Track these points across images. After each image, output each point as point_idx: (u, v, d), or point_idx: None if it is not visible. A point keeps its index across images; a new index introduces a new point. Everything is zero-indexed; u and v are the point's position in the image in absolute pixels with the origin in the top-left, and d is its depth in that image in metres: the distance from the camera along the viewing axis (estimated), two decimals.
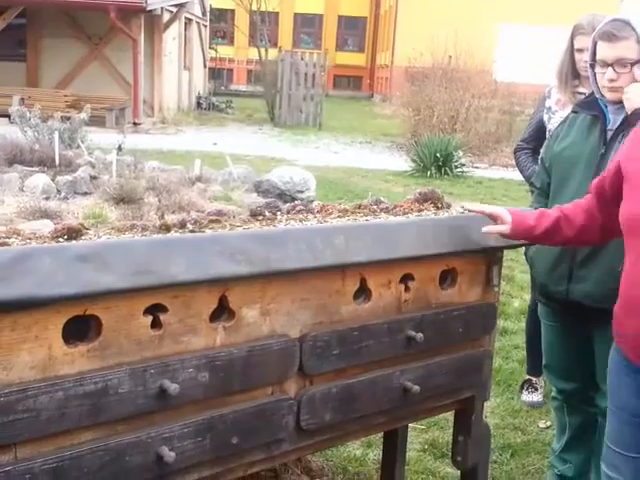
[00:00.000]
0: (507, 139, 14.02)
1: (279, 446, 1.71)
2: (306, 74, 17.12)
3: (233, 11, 31.02)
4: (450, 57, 15.16)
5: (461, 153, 11.01)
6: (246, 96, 25.43)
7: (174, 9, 16.59)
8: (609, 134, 2.24)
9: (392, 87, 26.00)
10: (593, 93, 2.40)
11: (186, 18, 18.88)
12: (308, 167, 9.72)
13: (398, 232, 1.81)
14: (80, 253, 1.34)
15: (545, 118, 3.13)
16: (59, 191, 6.07)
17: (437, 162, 10.44)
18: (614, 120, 2.24)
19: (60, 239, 1.50)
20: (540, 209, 1.96)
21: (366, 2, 36.57)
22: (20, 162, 6.52)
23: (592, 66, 2.25)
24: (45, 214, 5.50)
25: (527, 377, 3.50)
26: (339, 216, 1.92)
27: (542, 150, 2.72)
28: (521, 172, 3.33)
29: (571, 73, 2.85)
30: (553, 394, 2.63)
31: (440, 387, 1.97)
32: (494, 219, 1.94)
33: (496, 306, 2.09)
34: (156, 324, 1.48)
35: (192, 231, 1.62)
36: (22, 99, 13.84)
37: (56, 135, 6.31)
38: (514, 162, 3.41)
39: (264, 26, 25.16)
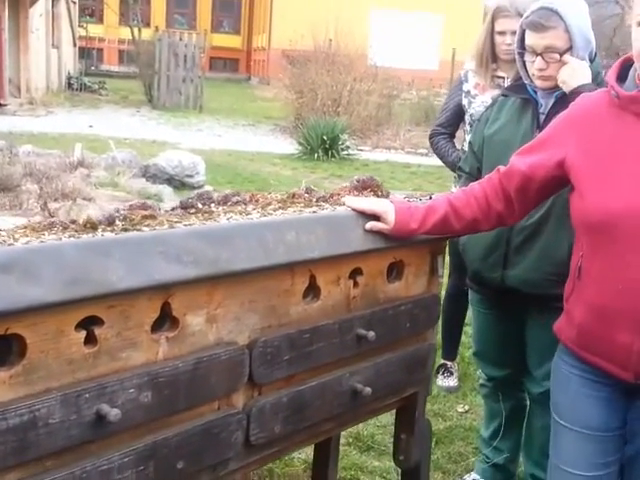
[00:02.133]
0: (387, 122, 14.24)
1: (226, 465, 1.54)
2: (185, 55, 16.59)
3: None
4: (330, 41, 15.16)
5: (346, 136, 11.03)
6: (119, 77, 24.37)
7: None
8: (542, 118, 2.20)
9: (270, 70, 25.82)
10: (516, 78, 2.36)
11: None
12: (193, 150, 9.40)
13: (348, 225, 1.67)
14: None
15: (464, 102, 3.09)
16: None
17: (324, 145, 10.40)
18: (546, 103, 2.21)
19: None
20: (430, 202, 1.83)
21: None
22: None
23: (521, 54, 2.20)
24: None
25: (442, 362, 3.49)
26: (280, 207, 1.75)
27: (470, 134, 2.66)
28: (442, 158, 3.26)
29: (491, 56, 2.81)
30: (482, 381, 2.60)
31: (388, 386, 1.86)
32: (378, 216, 1.73)
33: (439, 297, 2.01)
34: (90, 340, 1.26)
35: (125, 229, 1.41)
36: None
37: None
38: (430, 147, 3.34)
39: (136, 5, 24.16)
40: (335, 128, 10.52)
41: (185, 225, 1.46)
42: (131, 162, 7.06)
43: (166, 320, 1.38)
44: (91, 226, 1.42)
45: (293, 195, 1.92)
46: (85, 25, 25.98)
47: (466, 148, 3.16)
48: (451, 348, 3.51)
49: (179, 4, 35.10)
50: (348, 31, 14.10)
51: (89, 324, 1.26)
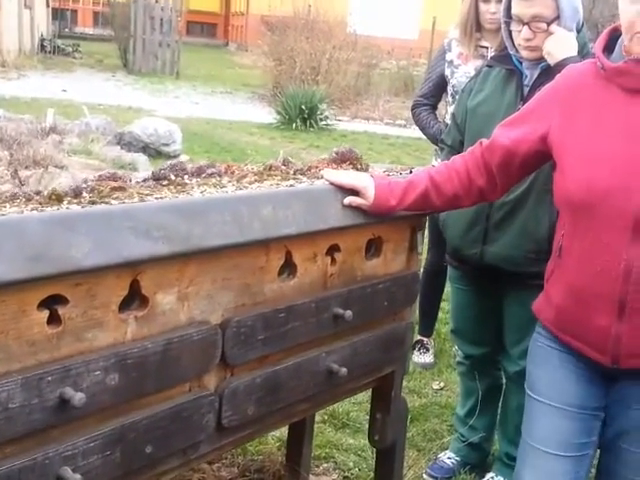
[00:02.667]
0: (366, 92, 14.12)
1: (197, 449, 1.49)
2: (162, 19, 16.24)
3: None
4: (310, 7, 14.94)
5: (325, 106, 10.91)
6: (94, 40, 23.88)
7: None
8: (526, 90, 2.15)
9: (248, 36, 25.43)
10: (500, 48, 2.30)
11: None
12: (169, 118, 9.23)
13: (326, 199, 1.61)
14: None
15: (447, 72, 3.01)
16: None
17: (302, 114, 10.28)
18: (531, 75, 2.15)
19: None
20: (410, 177, 1.77)
21: None
22: None
23: (507, 23, 2.13)
24: None
25: (419, 338, 3.47)
26: (256, 180, 1.69)
27: (453, 106, 2.60)
28: (423, 130, 3.19)
29: (475, 25, 2.74)
30: (459, 359, 2.57)
31: (365, 366, 1.82)
32: (357, 191, 1.66)
33: (419, 275, 1.96)
34: (54, 320, 1.19)
35: (92, 202, 1.33)
36: None
37: None
38: (413, 119, 3.27)
39: None
40: (314, 97, 10.39)
41: (156, 198, 1.39)
42: (105, 129, 6.90)
43: (135, 299, 1.32)
44: (56, 198, 1.34)
45: (270, 167, 1.85)
46: None
47: (448, 120, 3.10)
48: (428, 324, 3.48)
49: None
50: None
51: (53, 303, 1.19)
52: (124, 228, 1.22)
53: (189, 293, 1.39)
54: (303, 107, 10.22)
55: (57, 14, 25.23)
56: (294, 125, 10.20)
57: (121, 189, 1.40)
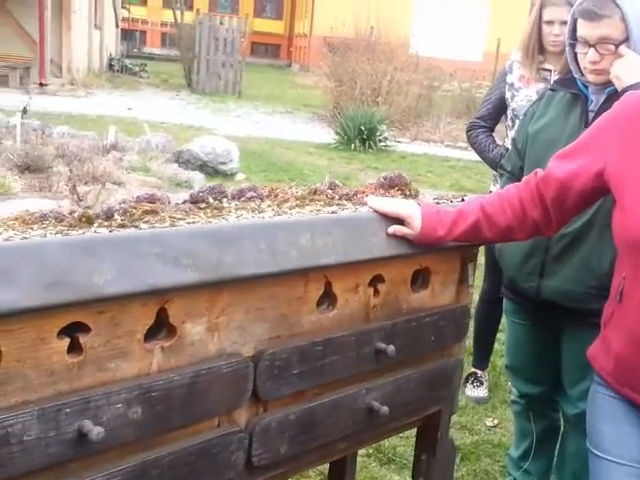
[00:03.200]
0: (427, 114, 13.98)
1: None
2: (225, 39, 16.50)
3: None
4: (372, 28, 14.93)
5: (385, 127, 10.82)
6: (161, 60, 24.46)
7: None
8: (591, 115, 2.02)
9: (311, 57, 25.63)
10: (564, 71, 2.18)
11: None
12: (229, 137, 9.31)
13: (370, 228, 1.52)
14: None
15: (507, 95, 2.90)
16: None
17: (361, 135, 10.22)
18: (597, 100, 2.02)
19: None
20: (460, 206, 1.65)
21: None
22: None
23: (572, 45, 2.01)
24: None
25: (472, 370, 3.32)
26: (297, 204, 1.61)
27: (513, 130, 2.48)
28: (480, 153, 3.06)
29: (537, 47, 2.62)
30: (514, 397, 2.43)
31: (408, 405, 1.71)
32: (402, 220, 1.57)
33: (469, 309, 1.85)
34: (75, 348, 1.14)
35: (122, 225, 1.28)
36: None
37: None
38: (468, 141, 3.15)
39: None
40: (373, 118, 10.32)
41: (188, 223, 1.32)
42: (165, 147, 6.99)
43: (162, 328, 1.25)
44: (86, 220, 1.29)
45: (315, 191, 1.77)
46: (128, 7, 26.07)
47: (507, 144, 2.98)
48: (482, 356, 3.33)
49: None
50: (390, 19, 13.86)
51: (74, 331, 1.14)
52: (151, 254, 1.16)
53: (220, 323, 1.32)
54: (362, 128, 10.16)
55: (127, 35, 26.00)
56: (353, 146, 10.15)
57: (153, 212, 1.34)
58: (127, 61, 20.00)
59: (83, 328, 1.14)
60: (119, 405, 1.18)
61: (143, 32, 31.13)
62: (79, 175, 5.23)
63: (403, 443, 2.76)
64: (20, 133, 5.81)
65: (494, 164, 3.00)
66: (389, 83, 13.10)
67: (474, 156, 3.20)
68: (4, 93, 10.69)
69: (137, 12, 29.11)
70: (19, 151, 5.48)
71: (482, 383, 3.29)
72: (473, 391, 3.27)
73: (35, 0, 13.71)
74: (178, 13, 21.56)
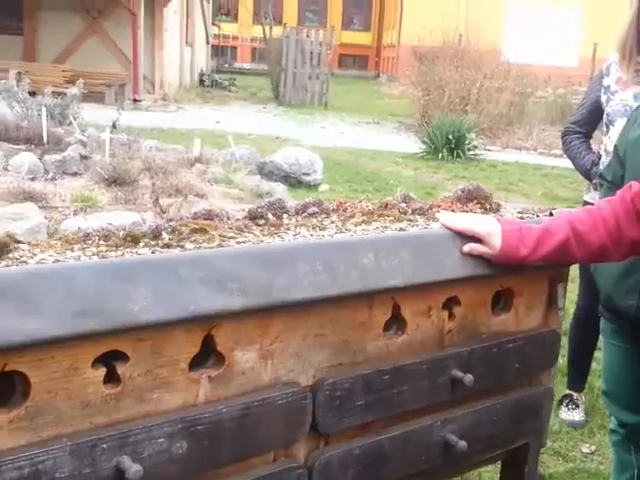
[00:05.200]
0: (519, 121, 13.53)
1: None
2: (312, 52, 16.58)
3: None
4: (461, 36, 14.63)
5: (474, 135, 10.52)
6: (250, 74, 24.86)
7: None
8: None
9: (399, 67, 25.43)
10: None
11: None
12: (314, 147, 9.27)
13: (441, 246, 1.37)
14: None
15: (603, 99, 2.67)
16: (47, 171, 5.64)
17: (449, 144, 9.96)
18: None
19: None
20: (546, 224, 1.46)
21: None
22: (6, 139, 6.09)
23: None
24: (29, 196, 5.06)
25: (567, 392, 3.08)
26: (363, 220, 1.48)
27: (606, 137, 2.27)
28: (572, 160, 2.85)
29: (636, 48, 2.38)
30: (612, 426, 2.19)
31: (490, 438, 1.54)
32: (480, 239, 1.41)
33: (559, 333, 1.66)
34: (112, 378, 1.05)
35: (167, 245, 1.19)
36: (19, 73, 13.37)
37: (43, 111, 5.86)
38: (562, 147, 2.92)
39: (268, 3, 24.47)
40: (461, 127, 10.04)
41: (239, 243, 1.22)
42: (249, 158, 7.00)
43: (209, 356, 1.15)
44: (132, 240, 1.21)
45: (385, 205, 1.64)
46: (219, 24, 26.70)
47: (602, 152, 2.74)
48: (578, 377, 3.08)
49: (311, 1, 35.46)
50: (480, 26, 13.53)
51: (111, 359, 1.05)
52: (192, 278, 1.06)
53: (274, 350, 1.20)
54: (450, 136, 9.90)
55: (218, 51, 26.62)
56: (440, 155, 9.90)
57: (202, 231, 1.24)
58: (217, 76, 20.43)
59: (121, 357, 1.05)
60: (161, 440, 1.08)
61: (234, 48, 31.77)
62: (163, 188, 5.28)
63: (490, 469, 2.56)
64: (109, 147, 5.94)
65: (585, 172, 2.77)
66: (478, 91, 12.76)
67: (570, 163, 2.98)
68: (100, 109, 11.05)
69: (228, 29, 29.75)
70: (107, 165, 5.59)
71: (578, 406, 3.04)
72: (568, 414, 3.02)
73: (129, 20, 14.18)
74: (267, 28, 21.93)
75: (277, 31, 21.75)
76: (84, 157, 5.69)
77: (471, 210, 1.65)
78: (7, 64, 13.92)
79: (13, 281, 0.94)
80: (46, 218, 4.37)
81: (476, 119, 11.77)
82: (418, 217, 1.58)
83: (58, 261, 1.05)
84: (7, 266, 1.04)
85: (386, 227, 1.43)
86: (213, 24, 24.23)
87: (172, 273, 1.05)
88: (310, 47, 16.56)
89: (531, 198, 7.45)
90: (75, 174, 5.54)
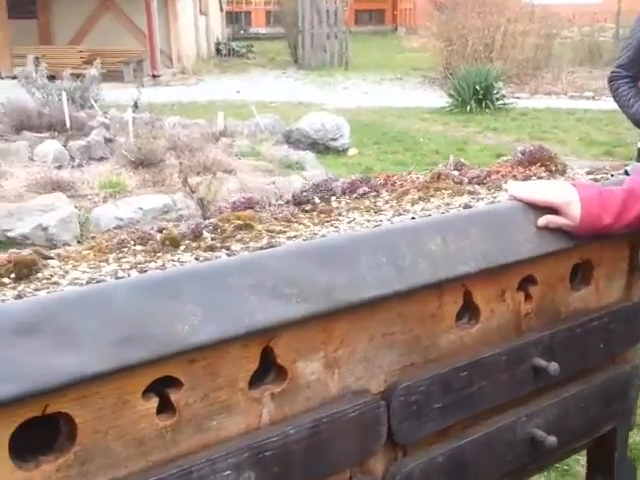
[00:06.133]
0: (547, 65, 13.11)
1: None
2: (328, 11, 16.19)
3: None
4: None
5: (501, 83, 10.20)
6: (266, 39, 24.46)
7: None
8: None
9: (417, 18, 24.84)
10: None
11: None
12: (338, 110, 9.07)
13: (514, 222, 1.22)
14: (20, 321, 0.79)
15: None
16: (72, 158, 5.56)
17: (476, 95, 9.67)
18: None
19: (5, 279, 0.95)
20: (628, 183, 1.29)
21: None
22: (28, 128, 6.00)
23: None
24: (57, 186, 4.98)
25: None
26: (420, 197, 1.33)
27: None
28: (622, 107, 2.65)
29: None
30: None
31: (577, 428, 1.41)
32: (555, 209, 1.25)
33: None
34: (165, 408, 0.93)
35: (211, 248, 1.05)
36: (37, 58, 13.27)
37: (64, 96, 5.75)
38: (610, 93, 2.73)
39: None
40: (488, 76, 9.72)
41: (289, 238, 1.08)
42: (274, 128, 6.84)
43: (269, 371, 1.02)
44: (171, 243, 1.08)
45: (438, 176, 1.49)
46: None
47: None
48: None
49: None
50: None
51: (162, 386, 0.93)
52: (244, 287, 0.93)
53: (339, 357, 1.07)
54: (477, 87, 9.60)
55: (232, 17, 26.18)
56: (468, 107, 9.62)
57: (248, 227, 1.11)
58: (234, 44, 20.12)
59: (173, 383, 0.93)
60: (227, 472, 0.96)
61: (248, 13, 31.25)
62: (190, 166, 5.16)
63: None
64: (132, 128, 5.82)
65: (636, 121, 2.59)
66: (503, 36, 12.36)
67: (604, 105, 2.82)
68: (121, 89, 10.93)
69: None
70: (132, 147, 5.48)
71: None
72: None
73: None
74: None
75: None
76: (108, 140, 5.58)
77: (535, 174, 1.49)
78: (24, 49, 13.85)
79: (46, 311, 0.82)
80: (76, 207, 4.28)
81: (502, 66, 11.40)
82: (478, 187, 1.43)
83: (93, 280, 0.92)
84: (37, 290, 0.92)
85: (448, 204, 1.28)
86: None
87: (222, 283, 0.92)
88: (326, 6, 16.16)
89: (567, 145, 7.19)
90: (101, 159, 5.44)
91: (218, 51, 19.44)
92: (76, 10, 15.33)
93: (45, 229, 4.08)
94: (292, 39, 17.19)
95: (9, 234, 4.15)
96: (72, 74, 7.63)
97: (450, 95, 10.14)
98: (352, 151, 6.97)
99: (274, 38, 22.64)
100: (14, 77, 8.74)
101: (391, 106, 10.46)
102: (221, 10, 21.97)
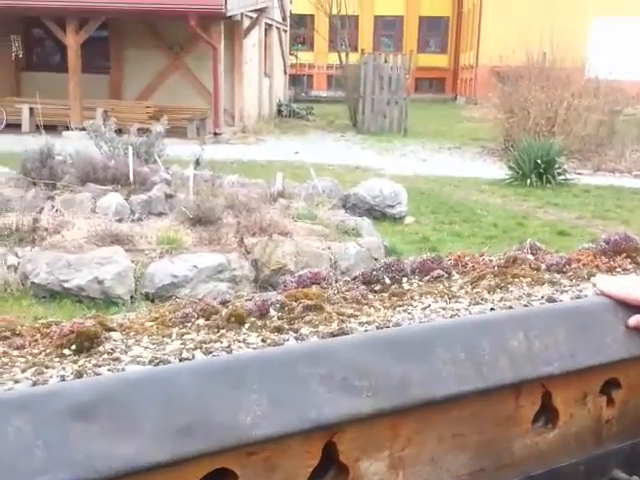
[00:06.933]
0: (610, 141, 12.95)
1: None
2: (390, 77, 16.43)
3: (313, 16, 30.67)
4: (545, 54, 14.18)
5: (563, 158, 10.08)
6: (327, 102, 24.97)
7: (254, 15, 16.25)
8: None
9: (477, 88, 25.06)
10: None
11: (266, 24, 18.53)
12: (396, 177, 9.08)
13: (602, 319, 1.13)
14: (77, 404, 0.74)
15: None
16: (133, 211, 5.65)
17: (537, 169, 9.56)
18: None
19: (66, 350, 0.92)
20: None
21: (448, 1, 35.65)
22: (94, 180, 6.14)
23: None
24: (116, 239, 5.05)
25: None
26: (497, 285, 1.26)
27: None
28: None
29: None
30: None
31: None
32: None
33: None
34: None
35: (277, 329, 1.00)
36: (105, 112, 13.76)
37: (130, 150, 5.88)
38: None
39: (344, 30, 24.55)
40: (551, 150, 9.62)
41: (361, 324, 1.02)
42: (331, 191, 6.86)
43: (330, 467, 0.95)
44: (236, 320, 1.04)
45: (514, 260, 1.42)
46: (296, 53, 26.99)
47: None
48: None
49: (386, 27, 35.58)
50: (565, 43, 13.06)
51: (215, 478, 0.86)
52: (313, 377, 0.87)
53: (405, 457, 0.99)
54: (538, 161, 9.50)
55: (294, 80, 26.88)
56: (528, 181, 9.51)
57: (318, 308, 1.06)
58: (294, 105, 20.56)
59: (228, 475, 0.86)
60: None
61: (310, 76, 32.10)
62: (247, 226, 5.18)
63: None
64: (192, 185, 5.90)
65: None
66: (566, 111, 12.30)
67: None
68: (183, 144, 11.20)
69: (304, 57, 30.07)
70: (191, 204, 5.55)
71: None
72: None
73: (210, 54, 14.41)
74: (343, 55, 21.98)
75: (353, 57, 21.78)
76: (169, 196, 5.67)
77: (620, 266, 1.40)
78: (94, 102, 14.41)
79: (105, 394, 0.77)
80: (133, 262, 4.31)
81: (564, 141, 11.31)
82: (557, 276, 1.35)
83: (156, 359, 0.88)
84: (97, 365, 0.88)
85: (529, 295, 1.20)
86: (290, 54, 24.50)
87: (290, 372, 0.86)
88: (389, 72, 16.42)
89: (632, 226, 7.00)
90: (160, 214, 5.51)
91: (279, 112, 19.88)
92: (147, 68, 15.93)
93: (101, 282, 4.11)
94: (352, 103, 17.47)
95: (66, 285, 4.19)
96: (139, 129, 7.84)
97: (510, 167, 10.06)
98: (409, 219, 6.93)
99: (334, 101, 23.08)
100: (82, 129, 9.04)
101: (449, 175, 10.43)
102: (285, 73, 22.57)
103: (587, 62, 14.66)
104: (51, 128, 11.42)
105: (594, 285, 1.22)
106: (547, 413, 1.13)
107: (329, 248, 4.72)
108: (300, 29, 31.17)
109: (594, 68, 13.78)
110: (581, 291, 1.23)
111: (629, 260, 1.41)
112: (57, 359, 0.88)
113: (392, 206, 6.85)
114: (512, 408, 1.08)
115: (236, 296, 1.19)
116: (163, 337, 0.98)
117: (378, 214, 6.80)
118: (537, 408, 1.11)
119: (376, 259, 4.58)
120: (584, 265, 1.40)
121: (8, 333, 0.97)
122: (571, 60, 13.07)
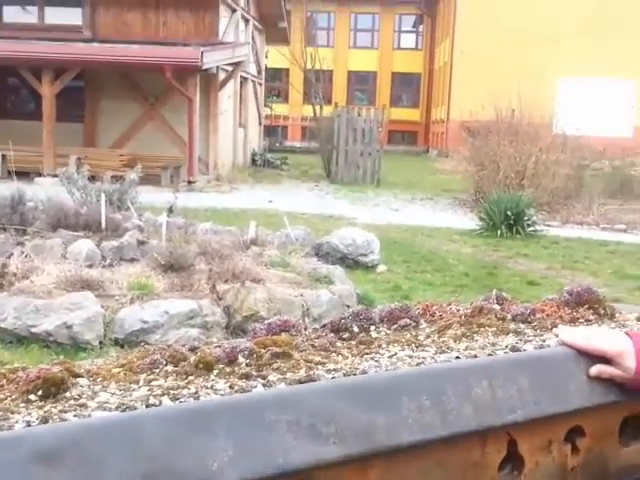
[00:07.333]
0: (578, 195, 13.24)
1: None
2: (363, 130, 16.71)
3: (288, 70, 31.23)
4: (513, 110, 14.55)
5: (533, 210, 10.27)
6: (301, 152, 25.26)
7: (230, 68, 16.49)
8: None
9: (448, 141, 25.54)
10: None
11: (242, 77, 18.81)
12: (368, 226, 9.16)
13: (565, 369, 1.16)
14: (41, 450, 0.74)
15: None
16: (104, 257, 5.61)
17: (508, 220, 9.72)
18: None
19: (32, 395, 0.91)
20: None
21: (419, 59, 36.62)
22: (65, 226, 6.10)
23: None
24: (86, 284, 5.00)
25: None
26: (463, 334, 1.28)
27: None
28: None
29: None
30: None
31: None
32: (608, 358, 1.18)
33: None
34: None
35: (245, 376, 1.01)
36: (79, 159, 13.76)
37: (102, 197, 5.88)
38: None
39: (318, 84, 25.00)
40: (520, 202, 9.81)
41: (328, 371, 1.03)
42: (304, 240, 6.89)
43: None
44: (204, 366, 1.04)
45: (480, 309, 1.45)
46: (271, 104, 27.37)
47: None
48: None
49: (359, 81, 36.35)
50: (532, 100, 13.44)
51: None
52: (280, 423, 0.87)
53: None
54: (508, 213, 9.67)
55: (269, 131, 27.20)
56: (499, 232, 9.65)
57: (285, 356, 1.07)
58: (269, 155, 20.75)
59: None
60: None
61: (284, 127, 32.53)
62: (219, 273, 5.17)
63: None
64: (165, 232, 5.89)
65: None
66: (535, 165, 12.58)
67: (636, 239, 2.75)
68: (156, 192, 11.21)
69: (279, 109, 30.49)
70: (164, 250, 5.53)
71: None
72: None
73: (185, 105, 14.56)
74: (317, 107, 22.34)
75: (327, 110, 22.14)
76: (141, 242, 5.65)
77: (582, 317, 1.44)
78: (68, 150, 14.40)
79: (70, 439, 0.77)
80: (103, 307, 4.27)
81: (533, 194, 11.53)
82: (522, 325, 1.38)
83: (123, 405, 0.88)
84: (63, 411, 0.87)
85: (494, 344, 1.22)
86: (265, 105, 24.82)
87: (258, 418, 0.87)
88: (362, 125, 16.70)
89: (600, 277, 7.12)
90: (132, 260, 5.48)
91: (254, 161, 20.04)
92: (122, 118, 16.02)
93: (69, 327, 4.06)
94: (326, 154, 17.69)
95: (33, 330, 4.13)
96: (112, 176, 7.85)
97: (481, 218, 10.21)
98: (381, 268, 6.97)
99: (308, 152, 23.36)
100: (55, 175, 9.02)
101: (421, 225, 10.56)
102: (260, 124, 22.82)
103: (554, 118, 15.07)
104: (23, 174, 11.39)
105: (557, 335, 1.25)
106: (513, 461, 1.14)
107: (301, 295, 4.73)
108: (275, 82, 31.73)
109: (561, 124, 14.16)
110: (544, 341, 1.25)
111: (591, 311, 1.45)
112: (23, 404, 0.88)
113: (365, 255, 6.90)
114: (478, 455, 1.09)
115: (205, 343, 1.20)
116: (130, 383, 0.98)
117: (351, 262, 6.84)
118: (503, 456, 1.12)
119: (348, 306, 4.59)
120: (548, 315, 1.43)
121: None
122: (539, 116, 13.42)
